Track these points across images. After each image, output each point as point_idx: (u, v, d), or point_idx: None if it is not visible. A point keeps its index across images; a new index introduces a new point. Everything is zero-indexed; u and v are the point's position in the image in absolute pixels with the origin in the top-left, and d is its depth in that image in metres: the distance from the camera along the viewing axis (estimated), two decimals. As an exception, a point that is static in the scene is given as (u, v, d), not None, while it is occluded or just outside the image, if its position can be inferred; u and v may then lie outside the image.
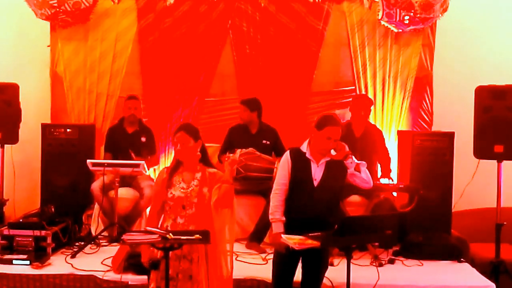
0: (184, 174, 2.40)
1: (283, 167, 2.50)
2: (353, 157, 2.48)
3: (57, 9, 4.07)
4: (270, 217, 2.49)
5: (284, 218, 2.46)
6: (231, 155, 2.75)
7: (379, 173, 3.83)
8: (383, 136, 3.94)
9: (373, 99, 4.19)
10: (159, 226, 2.37)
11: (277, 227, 2.46)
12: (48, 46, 4.36)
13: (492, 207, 3.54)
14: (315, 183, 2.45)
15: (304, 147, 2.51)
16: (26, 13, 4.21)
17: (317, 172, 2.46)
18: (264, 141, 3.91)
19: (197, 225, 2.34)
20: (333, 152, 2.48)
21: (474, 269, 3.25)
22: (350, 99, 4.14)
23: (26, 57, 4.43)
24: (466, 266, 3.32)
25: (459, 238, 3.65)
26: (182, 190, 2.36)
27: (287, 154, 2.51)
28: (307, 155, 2.48)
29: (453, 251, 3.42)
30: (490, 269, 3.31)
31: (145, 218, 3.78)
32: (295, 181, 2.46)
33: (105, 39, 4.33)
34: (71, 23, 4.25)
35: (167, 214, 2.39)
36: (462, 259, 3.39)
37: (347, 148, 2.48)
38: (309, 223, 2.40)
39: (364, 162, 2.52)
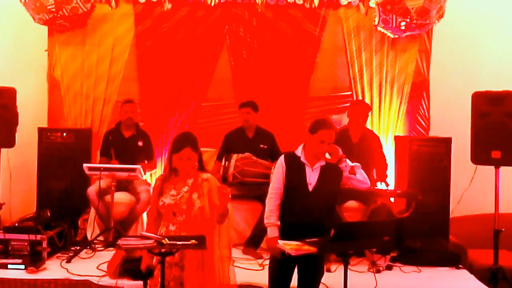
0: (176, 181, 2.40)
1: (277, 171, 2.49)
2: (347, 160, 2.47)
3: (55, 14, 4.08)
4: (265, 221, 2.48)
5: (279, 223, 2.45)
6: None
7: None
8: (380, 142, 3.93)
9: (370, 104, 4.20)
10: (158, 233, 2.36)
11: (272, 231, 2.45)
12: (46, 50, 4.38)
13: (490, 213, 3.54)
14: (310, 188, 2.44)
15: (299, 151, 2.51)
16: (24, 18, 4.22)
17: (312, 177, 2.45)
18: (261, 146, 3.91)
19: (188, 231, 2.32)
20: (327, 155, 2.47)
21: (472, 276, 3.23)
22: (347, 105, 4.15)
23: (23, 61, 4.44)
24: (464, 273, 3.30)
25: (457, 244, 3.64)
26: (172, 197, 2.36)
27: (281, 158, 2.51)
28: (302, 159, 2.48)
29: (451, 258, 3.41)
30: (488, 276, 3.30)
31: (141, 223, 3.76)
32: (290, 186, 2.45)
33: (102, 44, 4.34)
34: (69, 28, 4.26)
35: (162, 222, 2.39)
36: (460, 266, 3.37)
37: (340, 152, 2.47)
38: (304, 228, 2.38)
39: (358, 164, 2.51)
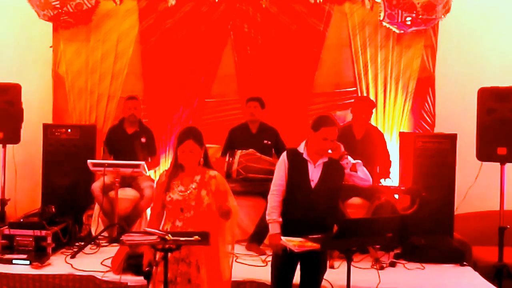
0: (183, 177, 2.40)
1: (280, 167, 2.49)
2: (349, 157, 2.46)
3: (60, 10, 4.09)
4: (267, 218, 2.48)
5: (280, 219, 2.45)
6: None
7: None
8: (384, 139, 3.90)
9: (374, 100, 4.17)
10: (160, 228, 2.36)
11: (273, 228, 2.45)
12: (50, 47, 4.39)
13: (495, 210, 3.52)
14: (312, 184, 2.44)
15: (301, 148, 2.50)
16: (28, 14, 4.23)
17: (314, 173, 2.45)
18: (265, 141, 3.90)
19: (195, 227, 2.33)
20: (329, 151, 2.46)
21: (476, 273, 3.22)
22: (352, 101, 4.12)
23: (28, 57, 4.45)
24: (468, 270, 3.28)
25: (461, 241, 3.62)
26: (180, 193, 2.36)
27: (284, 155, 2.51)
28: (304, 155, 2.47)
29: (456, 255, 3.39)
30: (493, 273, 3.28)
31: (145, 218, 3.78)
32: (292, 182, 2.45)
33: (106, 40, 4.35)
34: (73, 24, 4.27)
35: (167, 217, 2.39)
36: (464, 263, 3.36)
37: (342, 149, 2.46)
38: (306, 224, 2.38)
39: (360, 161, 2.50)
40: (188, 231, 2.30)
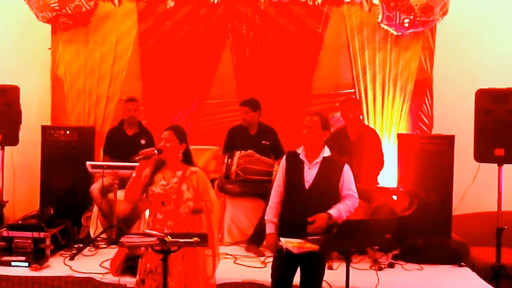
0: (165, 172, 2.51)
1: (280, 169, 2.54)
2: (333, 213, 2.39)
3: (58, 12, 4.10)
4: (265, 217, 2.53)
5: (275, 220, 2.48)
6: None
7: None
8: (379, 139, 3.88)
9: (372, 102, 4.19)
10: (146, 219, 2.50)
11: (269, 228, 2.49)
12: (49, 48, 4.40)
13: (492, 211, 3.53)
14: (307, 185, 2.45)
15: (300, 149, 2.53)
16: (27, 16, 4.24)
17: (309, 174, 2.46)
18: (263, 142, 3.90)
19: (175, 221, 2.44)
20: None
21: (474, 274, 3.23)
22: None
23: (27, 59, 4.45)
24: (466, 271, 3.30)
25: (459, 242, 3.64)
26: (161, 187, 2.48)
27: (284, 157, 2.55)
28: (301, 156, 2.50)
29: (454, 255, 3.40)
30: (490, 274, 3.29)
31: (144, 220, 3.78)
32: (289, 184, 2.48)
33: (105, 41, 4.36)
34: (72, 26, 4.27)
35: (150, 211, 2.53)
36: (462, 264, 3.37)
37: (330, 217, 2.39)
38: (301, 225, 2.38)
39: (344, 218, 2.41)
40: (187, 233, 2.35)
